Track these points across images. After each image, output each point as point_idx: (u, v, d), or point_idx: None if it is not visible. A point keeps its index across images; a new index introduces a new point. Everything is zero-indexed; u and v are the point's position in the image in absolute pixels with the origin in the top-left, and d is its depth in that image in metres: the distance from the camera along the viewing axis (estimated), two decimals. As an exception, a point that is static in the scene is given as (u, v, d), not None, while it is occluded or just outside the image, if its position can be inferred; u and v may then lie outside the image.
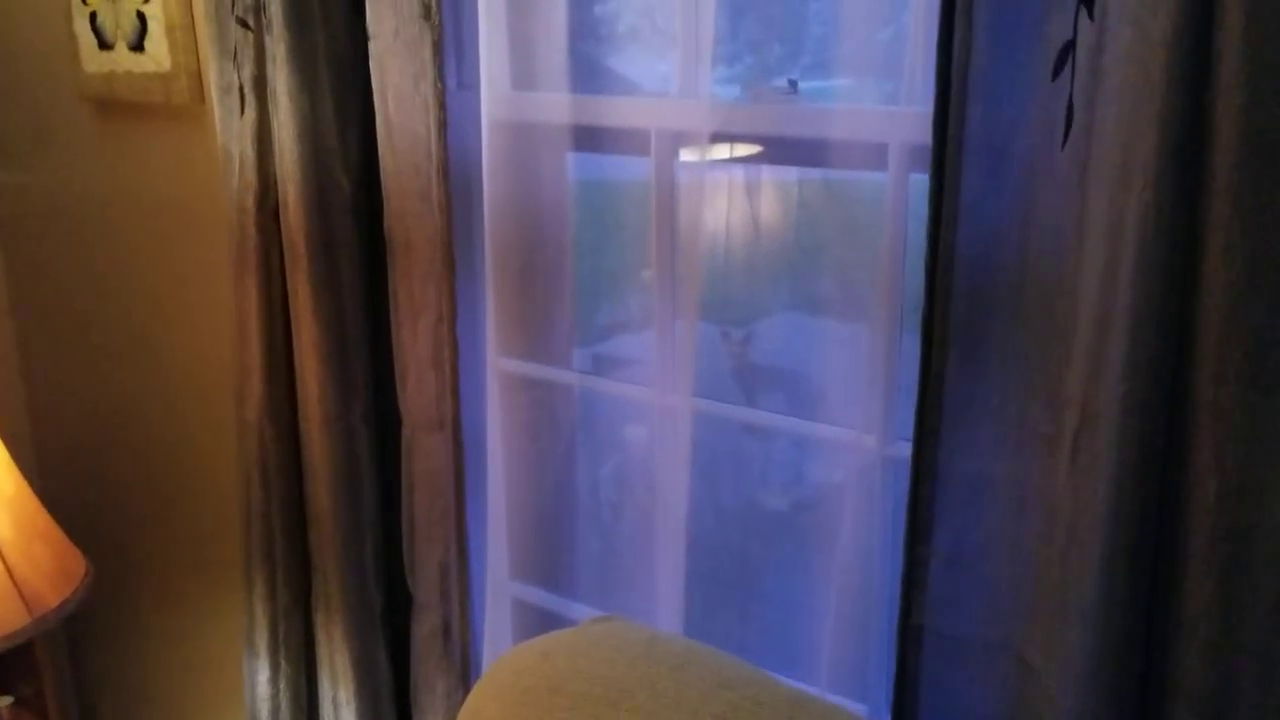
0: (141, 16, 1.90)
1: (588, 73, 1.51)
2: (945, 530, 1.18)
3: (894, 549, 1.34)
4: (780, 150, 1.43)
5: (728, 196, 1.46)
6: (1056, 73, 1.02)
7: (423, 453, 1.62)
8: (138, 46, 1.92)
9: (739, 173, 1.45)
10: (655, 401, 1.54)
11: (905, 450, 1.35)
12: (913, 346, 1.32)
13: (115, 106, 2.01)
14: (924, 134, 1.25)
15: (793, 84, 1.41)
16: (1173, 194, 0.92)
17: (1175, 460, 0.97)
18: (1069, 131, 1.02)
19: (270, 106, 1.54)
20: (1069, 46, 1.00)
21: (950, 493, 1.17)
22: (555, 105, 1.52)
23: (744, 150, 1.46)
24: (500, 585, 1.76)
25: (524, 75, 1.57)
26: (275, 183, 1.58)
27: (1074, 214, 1.04)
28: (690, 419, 1.47)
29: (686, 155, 1.46)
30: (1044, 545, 1.10)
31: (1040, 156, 1.05)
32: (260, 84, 1.55)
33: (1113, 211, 0.97)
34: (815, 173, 1.42)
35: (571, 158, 1.55)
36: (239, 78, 1.56)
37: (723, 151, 1.44)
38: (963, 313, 1.12)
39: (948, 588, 1.18)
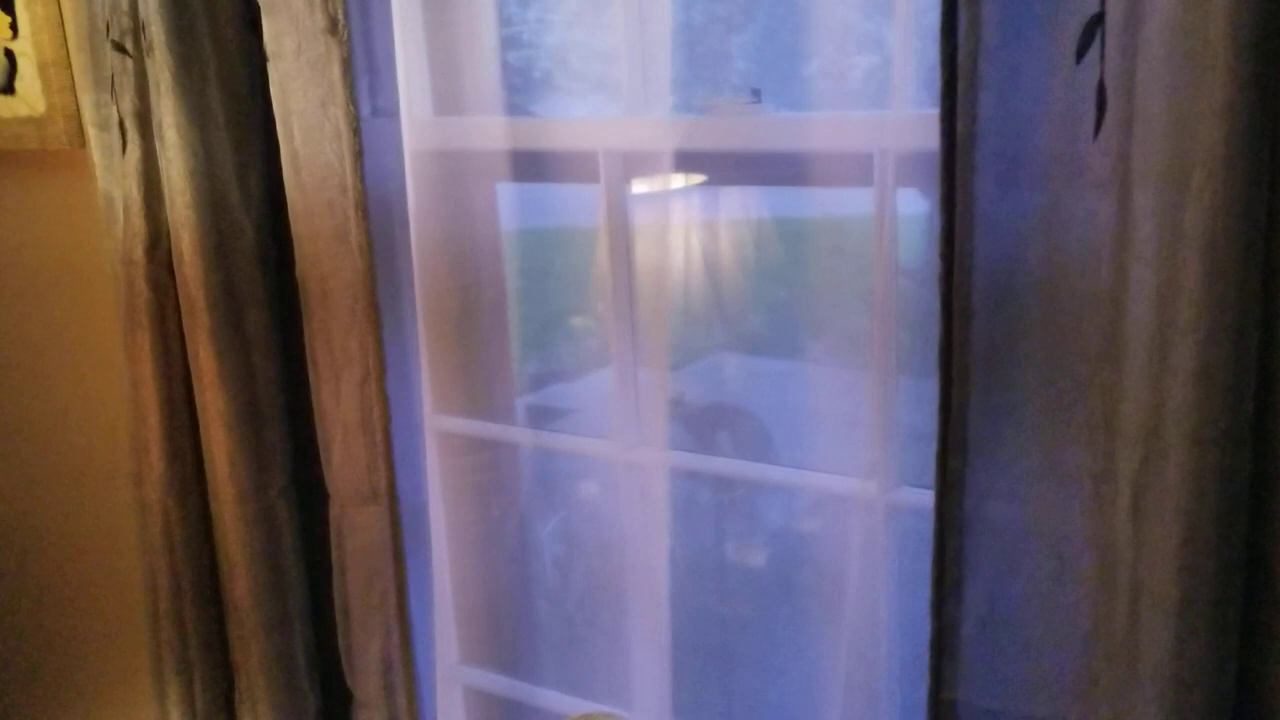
0: (10, 55, 1.68)
1: (524, 93, 1.33)
2: (977, 589, 1.01)
3: (908, 609, 1.17)
4: (748, 169, 1.27)
5: (690, 225, 1.29)
6: (1081, 53, 0.86)
7: (354, 529, 1.41)
8: (7, 89, 1.70)
9: (702, 198, 1.29)
10: (618, 457, 1.36)
11: (910, 497, 1.20)
12: (909, 381, 1.16)
13: (-15, 157, 1.79)
14: (913, 140, 1.11)
15: (756, 94, 1.25)
16: (1244, 186, 0.77)
17: (1263, 499, 0.82)
18: (1101, 121, 0.87)
19: (156, 142, 1.33)
20: (1096, 21, 0.85)
21: (981, 546, 1.00)
22: (489, 130, 1.34)
23: (703, 175, 1.29)
24: (450, 671, 1.56)
25: (451, 98, 1.39)
26: (167, 229, 1.37)
27: (1111, 216, 0.88)
28: (666, 475, 1.28)
29: (641, 184, 1.29)
30: (1101, 602, 0.94)
31: (1066, 152, 0.90)
32: (144, 117, 1.35)
33: (1166, 211, 0.82)
34: (790, 193, 1.26)
35: (510, 188, 1.37)
36: (118, 111, 1.36)
37: (681, 177, 1.27)
38: (983, 339, 0.96)
39: (983, 655, 1.02)
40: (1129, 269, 0.87)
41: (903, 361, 1.16)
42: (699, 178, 1.27)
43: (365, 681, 1.46)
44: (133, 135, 1.35)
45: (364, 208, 1.29)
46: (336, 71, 1.25)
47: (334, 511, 1.42)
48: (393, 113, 1.38)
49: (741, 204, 1.31)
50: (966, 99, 0.91)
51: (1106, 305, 0.90)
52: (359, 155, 1.27)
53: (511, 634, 1.53)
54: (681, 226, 1.27)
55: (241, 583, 1.43)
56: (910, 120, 1.09)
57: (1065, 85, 0.89)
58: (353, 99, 1.25)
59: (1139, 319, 0.86)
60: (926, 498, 1.18)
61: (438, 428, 1.47)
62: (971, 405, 0.97)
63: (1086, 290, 0.91)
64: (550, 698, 1.49)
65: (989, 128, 0.92)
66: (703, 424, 1.33)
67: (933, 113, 1.02)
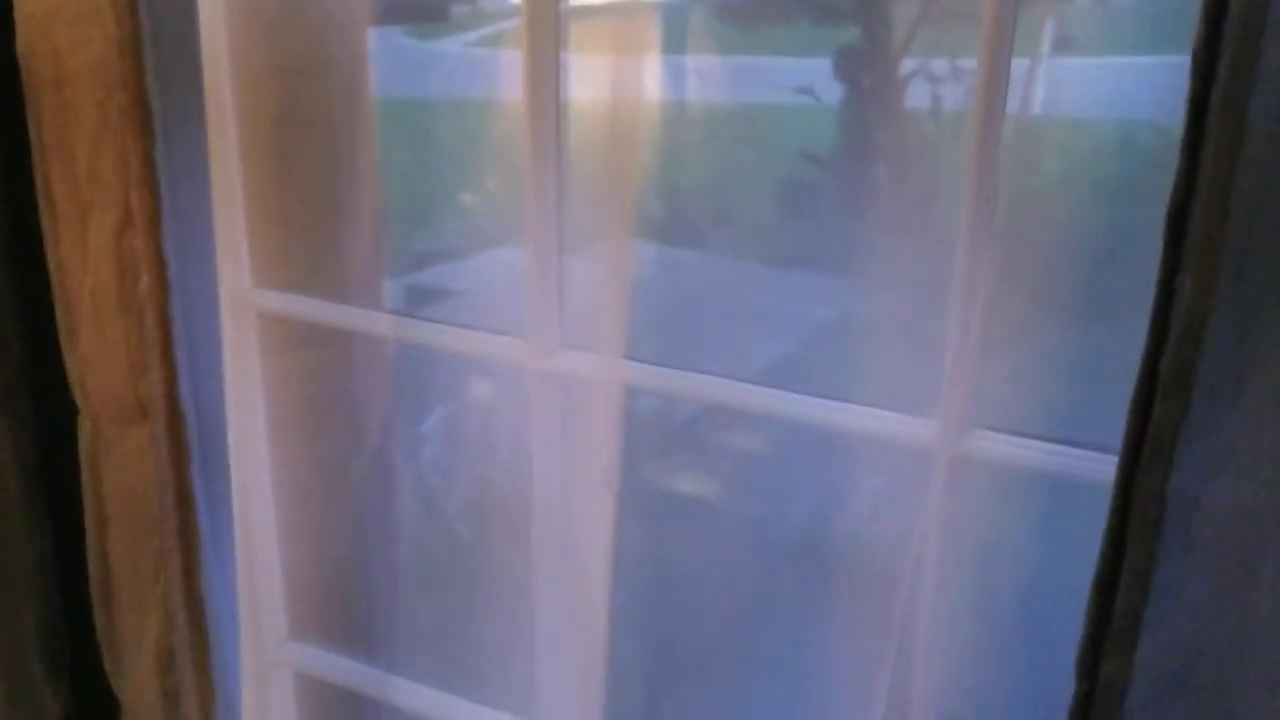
0: None
1: None
2: (1168, 628, 0.58)
3: (1006, 622, 0.76)
4: None
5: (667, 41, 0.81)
6: None
7: (116, 460, 0.92)
8: None
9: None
10: (531, 364, 0.88)
11: (990, 446, 0.76)
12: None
13: None
14: None
15: None
16: None
17: None
18: None
19: None
20: None
21: (1187, 555, 0.57)
22: None
23: None
24: (274, 651, 1.08)
25: None
26: None
27: None
28: (619, 395, 0.82)
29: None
30: None
31: None
32: None
33: None
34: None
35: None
36: None
37: None
38: (1246, 208, 0.51)
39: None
40: None
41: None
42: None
43: (136, 684, 0.98)
44: None
45: (121, -69, 0.77)
46: None
47: (85, 431, 0.93)
48: None
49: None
50: None
51: None
52: None
53: (368, 608, 1.07)
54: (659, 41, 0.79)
55: (-67, 539, 0.93)
56: None
57: None
58: None
59: None
60: (1014, 448, 0.76)
61: (259, 307, 0.97)
62: (1213, 314, 0.52)
63: None
64: (408, 690, 1.03)
65: None
66: (674, 333, 0.86)
67: None
